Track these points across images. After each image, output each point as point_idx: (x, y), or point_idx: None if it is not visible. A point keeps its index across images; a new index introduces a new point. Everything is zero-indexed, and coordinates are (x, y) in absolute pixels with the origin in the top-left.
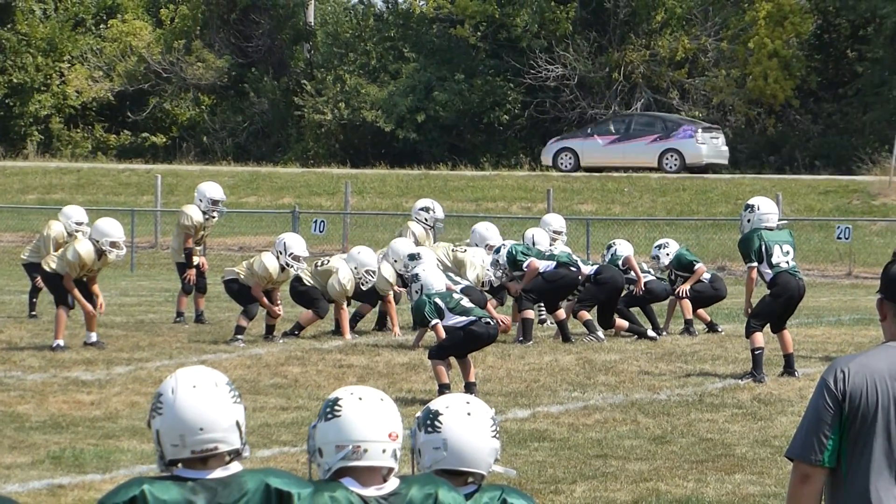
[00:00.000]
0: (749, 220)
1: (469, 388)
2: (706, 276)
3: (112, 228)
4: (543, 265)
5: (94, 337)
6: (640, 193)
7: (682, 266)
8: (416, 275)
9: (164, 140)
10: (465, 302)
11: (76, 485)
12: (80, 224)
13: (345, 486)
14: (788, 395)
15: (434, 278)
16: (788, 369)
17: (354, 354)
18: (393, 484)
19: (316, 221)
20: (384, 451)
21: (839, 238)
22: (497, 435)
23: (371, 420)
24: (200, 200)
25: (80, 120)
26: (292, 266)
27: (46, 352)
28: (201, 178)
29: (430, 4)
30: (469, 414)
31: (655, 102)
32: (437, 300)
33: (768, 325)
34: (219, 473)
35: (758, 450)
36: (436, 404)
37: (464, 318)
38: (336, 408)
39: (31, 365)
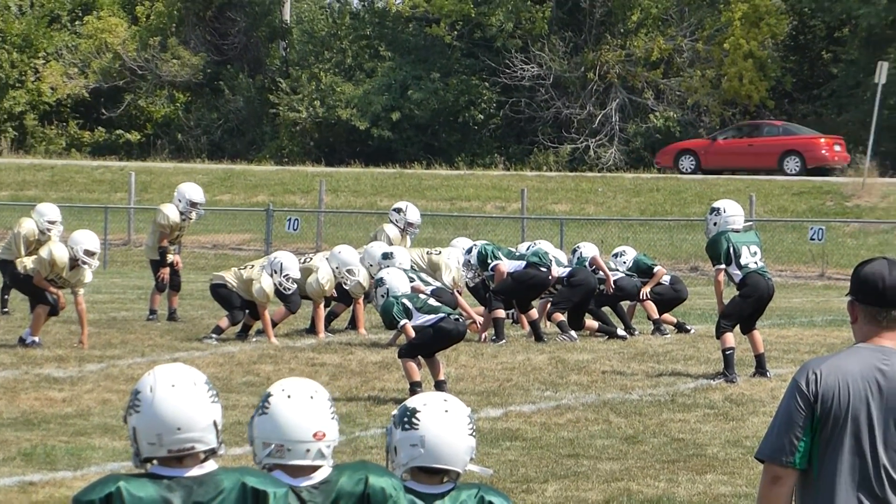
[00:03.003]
0: (715, 224)
1: (439, 386)
2: (666, 278)
3: (88, 239)
4: (512, 266)
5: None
6: (614, 193)
7: (642, 271)
8: (381, 279)
9: (139, 137)
10: (433, 301)
11: (47, 482)
12: (52, 223)
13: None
14: (760, 396)
15: (398, 281)
16: (760, 369)
17: (327, 353)
18: (324, 472)
19: (290, 219)
20: (308, 451)
21: (812, 239)
22: (473, 433)
23: (295, 421)
24: (179, 201)
25: (55, 117)
26: (285, 288)
27: (18, 348)
28: (175, 176)
29: (406, 3)
30: (447, 411)
31: (630, 103)
32: (405, 301)
33: (738, 325)
34: (195, 472)
35: (729, 450)
36: (413, 402)
37: (432, 317)
38: (266, 404)
39: (2, 361)
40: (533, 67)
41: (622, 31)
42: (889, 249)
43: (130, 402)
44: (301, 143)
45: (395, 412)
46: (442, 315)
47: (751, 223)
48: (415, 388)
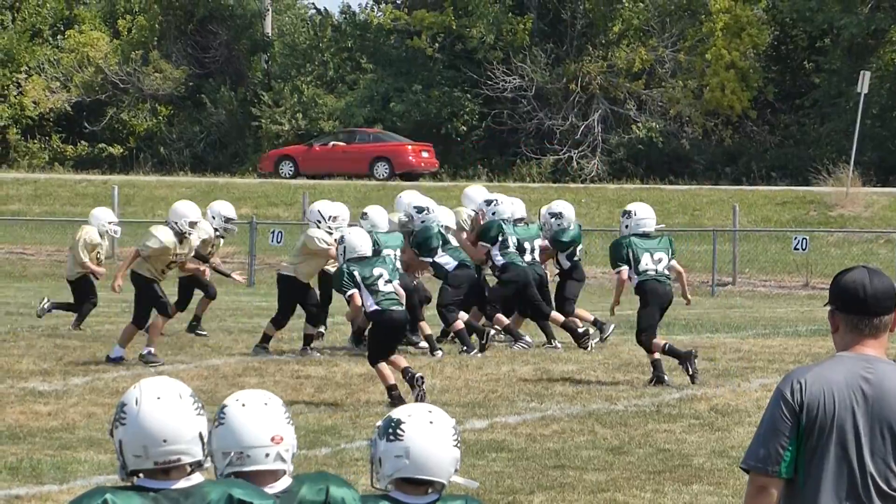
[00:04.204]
0: (627, 226)
1: (406, 373)
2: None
3: (189, 209)
4: (445, 261)
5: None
6: (598, 204)
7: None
8: (342, 237)
9: (122, 151)
10: (382, 282)
11: (33, 495)
12: (111, 223)
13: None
14: (746, 406)
15: (359, 241)
16: (658, 374)
17: (312, 365)
18: (285, 483)
19: (273, 232)
20: (267, 455)
21: (796, 249)
22: (458, 444)
23: (252, 427)
24: (213, 217)
25: (38, 131)
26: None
27: (0, 361)
28: (158, 189)
29: (388, 16)
30: (431, 423)
31: (613, 114)
32: (356, 272)
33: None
34: (181, 484)
35: (715, 460)
36: (397, 413)
37: (373, 305)
38: (221, 415)
39: None
40: (515, 79)
41: (604, 42)
42: (873, 259)
43: (116, 415)
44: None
45: (379, 423)
46: (383, 308)
47: (662, 227)
48: (391, 391)
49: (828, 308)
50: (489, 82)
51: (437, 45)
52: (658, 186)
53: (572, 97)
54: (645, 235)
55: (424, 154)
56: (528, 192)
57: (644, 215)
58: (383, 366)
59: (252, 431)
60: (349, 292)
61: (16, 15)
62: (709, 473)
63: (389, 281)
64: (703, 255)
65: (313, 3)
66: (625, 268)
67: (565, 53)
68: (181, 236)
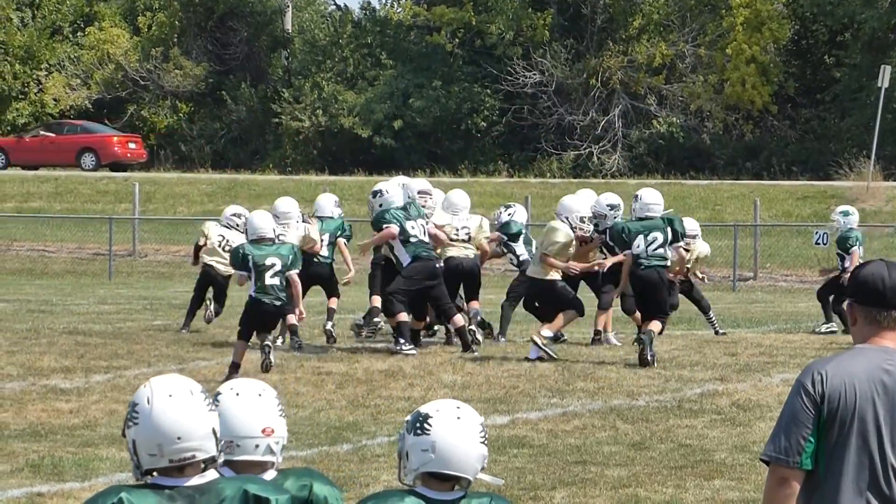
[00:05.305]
0: (634, 210)
1: (263, 349)
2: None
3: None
4: (401, 254)
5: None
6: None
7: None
8: (248, 218)
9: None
10: (269, 274)
11: (55, 493)
12: (236, 216)
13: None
14: (767, 401)
15: (260, 223)
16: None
17: (333, 361)
18: (271, 475)
19: None
20: (257, 446)
21: (817, 244)
22: (485, 441)
23: (243, 417)
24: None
25: None
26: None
27: (22, 358)
28: (179, 186)
29: (407, 12)
30: (459, 418)
31: (633, 109)
32: (250, 255)
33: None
34: (196, 481)
35: (736, 455)
36: (426, 408)
37: (252, 292)
38: (216, 402)
39: (9, 373)
40: (535, 74)
41: (624, 37)
42: (893, 253)
43: (128, 415)
44: (304, 152)
45: (408, 418)
46: (259, 297)
47: (671, 210)
48: (233, 369)
49: (847, 301)
50: (509, 78)
51: (456, 40)
52: (679, 181)
53: (592, 92)
54: (647, 219)
55: (132, 145)
56: (549, 187)
57: (650, 200)
58: (242, 344)
59: (244, 421)
60: (239, 273)
61: (36, 12)
62: (730, 468)
63: (280, 273)
64: (725, 249)
65: (333, 0)
66: (629, 253)
67: (585, 49)
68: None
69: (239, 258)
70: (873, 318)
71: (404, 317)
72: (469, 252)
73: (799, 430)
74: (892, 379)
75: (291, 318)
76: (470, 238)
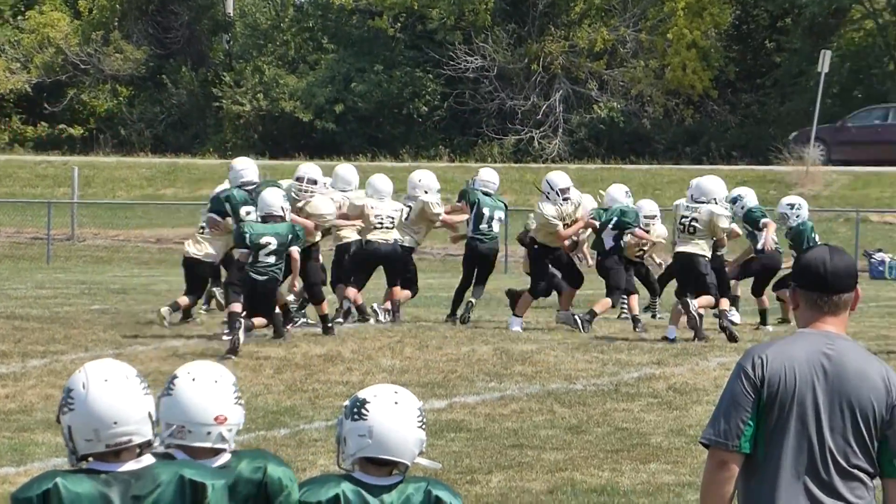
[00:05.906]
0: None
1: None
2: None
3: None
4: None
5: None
6: None
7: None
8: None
9: (82, 132)
10: (264, 253)
11: None
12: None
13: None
14: (703, 385)
15: (270, 199)
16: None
17: (271, 346)
18: (224, 458)
19: None
20: (209, 433)
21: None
22: (423, 426)
23: (198, 403)
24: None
25: None
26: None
27: None
28: (119, 170)
29: None
30: (396, 403)
31: (574, 94)
32: (247, 234)
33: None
34: (131, 466)
35: (673, 439)
36: (364, 393)
37: (248, 267)
38: (171, 386)
39: None
40: (477, 59)
41: (566, 21)
42: (833, 237)
43: (63, 401)
44: (245, 136)
45: (345, 403)
46: (251, 274)
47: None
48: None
49: (790, 285)
50: (451, 63)
51: (398, 25)
52: (619, 166)
53: (534, 77)
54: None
55: None
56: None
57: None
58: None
59: (197, 408)
60: (240, 251)
61: None
62: (666, 452)
63: (275, 252)
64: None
65: None
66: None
67: (527, 34)
68: None
69: (238, 236)
70: (815, 303)
71: (237, 307)
72: (390, 237)
73: (738, 414)
74: (832, 364)
75: (283, 298)
76: (394, 224)
